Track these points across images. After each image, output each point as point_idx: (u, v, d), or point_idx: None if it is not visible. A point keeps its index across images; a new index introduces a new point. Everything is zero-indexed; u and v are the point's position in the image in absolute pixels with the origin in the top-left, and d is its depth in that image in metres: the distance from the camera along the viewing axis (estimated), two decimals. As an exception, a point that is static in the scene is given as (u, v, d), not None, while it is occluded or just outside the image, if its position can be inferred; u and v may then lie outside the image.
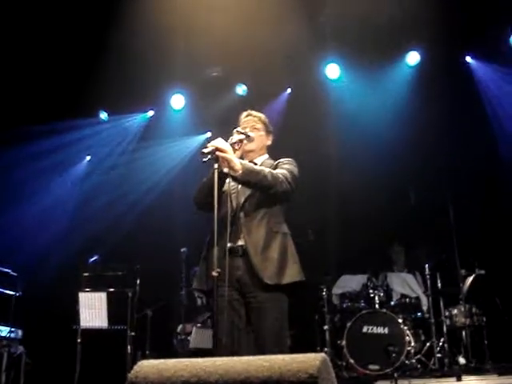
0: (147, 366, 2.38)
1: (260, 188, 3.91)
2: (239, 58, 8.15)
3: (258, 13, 7.57)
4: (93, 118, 9.36)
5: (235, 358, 2.35)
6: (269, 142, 4.32)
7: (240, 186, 4.00)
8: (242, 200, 3.99)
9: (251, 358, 2.35)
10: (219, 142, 3.80)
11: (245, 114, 4.34)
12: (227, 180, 4.03)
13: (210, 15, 7.61)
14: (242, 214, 3.95)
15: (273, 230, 3.94)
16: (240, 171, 3.78)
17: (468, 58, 8.50)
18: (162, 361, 2.41)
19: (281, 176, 3.92)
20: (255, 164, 4.10)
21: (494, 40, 8.06)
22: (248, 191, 4.00)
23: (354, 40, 8.07)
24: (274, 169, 4.06)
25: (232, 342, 3.72)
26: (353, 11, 7.60)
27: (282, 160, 4.17)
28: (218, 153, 3.74)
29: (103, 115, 9.44)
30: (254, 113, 4.33)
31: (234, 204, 4.00)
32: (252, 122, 4.25)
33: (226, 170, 3.84)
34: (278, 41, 7.74)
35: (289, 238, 4.02)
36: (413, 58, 8.55)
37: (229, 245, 3.83)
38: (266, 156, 4.29)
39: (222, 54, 8.26)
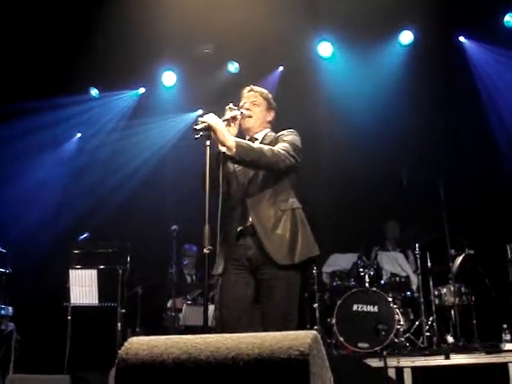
0: (137, 342, 2.37)
1: (259, 167, 3.84)
2: (231, 35, 8.09)
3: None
4: (83, 94, 9.29)
5: (226, 335, 2.35)
6: (269, 118, 4.18)
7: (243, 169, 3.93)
8: (246, 180, 3.93)
9: (242, 335, 2.36)
10: (211, 118, 3.72)
11: (247, 88, 4.23)
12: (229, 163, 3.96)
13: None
14: (247, 195, 3.88)
15: (281, 208, 3.87)
16: (234, 149, 3.65)
17: (461, 38, 8.46)
18: (152, 337, 2.41)
19: (282, 151, 3.81)
20: (256, 139, 4.03)
21: (488, 19, 8.04)
22: (251, 171, 3.92)
23: (346, 18, 8.01)
24: (275, 142, 3.98)
25: (235, 322, 3.72)
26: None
27: (282, 132, 4.06)
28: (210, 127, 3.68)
29: (94, 92, 9.37)
30: (255, 88, 4.22)
31: (239, 185, 3.94)
32: (252, 98, 4.15)
33: (222, 148, 3.75)
34: (270, 18, 7.67)
35: (299, 212, 3.94)
36: (406, 37, 8.52)
37: (239, 228, 3.85)
38: (268, 130, 4.18)
39: (214, 31, 8.20)
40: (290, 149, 3.88)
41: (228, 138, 3.69)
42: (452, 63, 8.30)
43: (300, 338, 2.20)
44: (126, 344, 2.36)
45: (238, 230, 3.87)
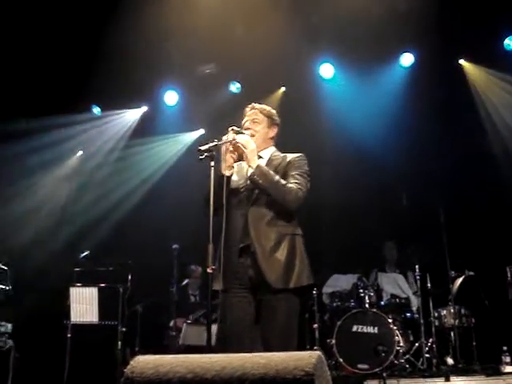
0: (143, 361, 2.38)
1: (269, 194, 3.87)
2: (233, 55, 8.16)
3: (253, 11, 7.59)
4: (86, 113, 9.34)
5: (232, 355, 2.36)
6: (272, 134, 4.19)
7: (249, 186, 3.96)
8: (251, 200, 3.94)
9: (248, 354, 2.36)
10: (243, 137, 3.89)
11: (249, 107, 4.25)
12: (234, 180, 4.03)
13: (204, 13, 7.61)
14: (250, 215, 3.90)
15: (282, 232, 3.88)
16: (254, 169, 3.82)
17: (462, 61, 8.53)
18: (158, 356, 2.41)
19: (294, 191, 3.86)
20: (260, 158, 4.03)
21: (488, 43, 8.10)
22: (256, 191, 3.92)
23: (348, 40, 8.09)
24: (285, 167, 4.00)
25: (237, 340, 3.72)
26: (347, 11, 7.62)
27: (293, 158, 4.06)
28: (238, 142, 3.87)
29: (96, 110, 9.43)
30: (256, 105, 4.23)
31: (243, 204, 3.95)
32: (253, 116, 4.17)
33: (226, 172, 3.88)
34: (273, 39, 7.73)
35: (298, 239, 3.94)
36: (407, 59, 8.59)
37: (240, 245, 3.87)
38: (273, 149, 4.19)
39: (216, 52, 8.27)
40: (304, 185, 3.93)
41: (255, 159, 3.86)
42: (452, 86, 8.35)
43: (305, 359, 2.21)
44: (132, 362, 2.36)
45: (239, 247, 3.88)
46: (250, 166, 3.88)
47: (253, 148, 3.88)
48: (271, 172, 3.89)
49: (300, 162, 4.05)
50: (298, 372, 2.15)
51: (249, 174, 3.88)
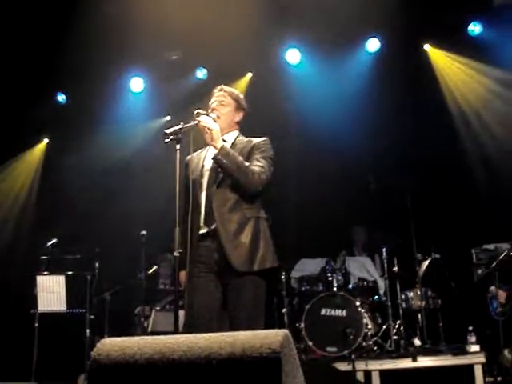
0: (110, 343, 2.37)
1: (231, 175, 3.87)
2: (199, 41, 8.10)
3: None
4: (51, 100, 9.22)
5: (198, 335, 2.36)
6: (237, 118, 4.22)
7: (214, 167, 3.98)
8: (215, 184, 3.95)
9: (214, 334, 2.37)
10: (206, 119, 3.89)
11: (218, 88, 4.26)
12: (202, 160, 4.05)
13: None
14: (214, 198, 3.91)
15: (246, 214, 3.91)
16: (218, 149, 3.83)
17: (426, 46, 8.59)
18: (124, 338, 2.41)
19: (257, 173, 3.89)
20: (225, 141, 4.03)
21: (453, 28, 8.17)
22: (220, 175, 3.94)
23: (314, 26, 8.10)
24: (250, 151, 4.02)
25: (205, 324, 3.72)
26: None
27: (258, 142, 4.10)
28: (202, 124, 3.86)
29: (61, 98, 9.31)
30: (225, 88, 4.25)
31: (208, 188, 3.96)
32: (221, 97, 4.18)
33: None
34: (239, 24, 7.70)
35: (263, 222, 3.98)
36: (373, 44, 8.62)
37: (203, 230, 3.89)
38: (237, 133, 4.22)
39: (182, 38, 8.20)
40: (267, 169, 3.96)
41: (219, 139, 3.87)
42: (418, 71, 8.42)
43: (271, 337, 2.23)
44: (98, 345, 2.35)
45: (202, 232, 3.90)
46: (214, 147, 3.88)
47: (217, 129, 3.88)
48: (235, 153, 3.90)
49: (265, 146, 4.09)
50: (264, 350, 2.16)
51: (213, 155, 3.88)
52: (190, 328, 3.75)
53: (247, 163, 3.90)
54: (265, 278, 3.90)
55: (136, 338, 2.40)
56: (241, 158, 3.89)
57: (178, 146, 3.73)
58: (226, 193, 3.92)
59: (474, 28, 8.23)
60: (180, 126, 3.83)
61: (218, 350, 2.20)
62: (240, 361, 2.16)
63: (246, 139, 4.15)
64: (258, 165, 3.94)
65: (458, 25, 8.26)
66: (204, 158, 4.11)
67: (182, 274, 3.89)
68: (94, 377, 2.30)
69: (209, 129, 3.86)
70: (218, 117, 4.07)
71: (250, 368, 2.14)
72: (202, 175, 4.02)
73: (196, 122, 3.91)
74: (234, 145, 4.08)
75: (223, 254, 3.82)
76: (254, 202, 3.97)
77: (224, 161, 3.82)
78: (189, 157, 4.13)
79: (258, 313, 3.84)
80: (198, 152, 4.19)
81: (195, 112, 3.99)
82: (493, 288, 6.40)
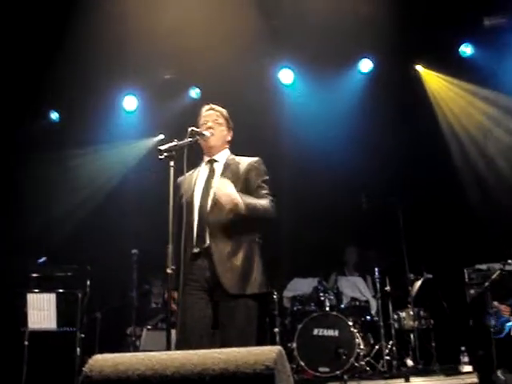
0: (102, 359, 2.35)
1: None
2: (193, 60, 8.14)
3: (212, 15, 7.57)
4: (44, 119, 9.22)
5: (191, 352, 2.35)
6: (229, 138, 4.26)
7: (208, 189, 3.97)
8: (210, 204, 3.93)
9: (207, 351, 2.35)
10: (227, 188, 3.78)
11: (206, 107, 4.27)
12: (194, 181, 4.04)
13: (163, 17, 7.57)
14: (210, 218, 3.89)
15: (241, 237, 3.90)
16: (244, 212, 3.77)
17: (418, 67, 8.65)
18: (117, 354, 2.38)
19: (270, 205, 3.92)
20: (215, 161, 4.07)
21: (445, 49, 8.24)
22: (215, 198, 3.90)
23: (307, 46, 8.14)
24: (247, 172, 4.02)
25: (196, 341, 3.69)
26: (306, 18, 7.68)
27: (253, 165, 4.09)
28: (220, 197, 3.77)
29: (54, 116, 9.31)
30: (215, 107, 4.27)
31: (202, 207, 3.94)
32: (214, 116, 4.19)
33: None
34: (232, 44, 7.74)
35: (257, 246, 3.98)
36: (365, 65, 8.67)
37: (196, 250, 3.86)
38: (228, 152, 4.23)
39: (176, 57, 8.23)
40: (270, 193, 4.01)
41: (240, 201, 3.76)
42: (410, 91, 8.48)
43: (265, 353, 2.21)
44: (90, 361, 2.33)
45: (195, 251, 3.88)
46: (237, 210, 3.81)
47: (232, 191, 3.78)
48: (253, 202, 3.87)
49: (261, 169, 4.11)
50: (258, 366, 2.14)
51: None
52: (180, 344, 3.73)
53: (260, 202, 3.90)
54: (257, 300, 3.90)
55: (128, 355, 2.38)
56: (256, 201, 3.88)
57: (171, 163, 3.72)
58: (220, 214, 3.88)
59: (466, 49, 8.30)
60: (174, 143, 3.81)
61: (212, 365, 2.19)
62: (233, 377, 2.14)
63: (237, 158, 4.17)
64: (265, 194, 3.98)
65: (450, 46, 8.33)
66: (196, 179, 4.10)
67: (175, 293, 3.87)
68: (86, 393, 2.27)
69: (235, 203, 3.77)
70: (213, 134, 4.09)
71: (243, 384, 2.13)
72: (193, 196, 4.01)
73: (190, 140, 3.90)
74: (226, 165, 4.09)
75: (215, 273, 3.81)
76: (249, 225, 3.95)
77: (250, 213, 3.80)
78: (181, 178, 4.09)
79: (250, 332, 3.83)
80: (190, 172, 4.17)
81: (189, 130, 3.98)
82: (495, 303, 6.41)
